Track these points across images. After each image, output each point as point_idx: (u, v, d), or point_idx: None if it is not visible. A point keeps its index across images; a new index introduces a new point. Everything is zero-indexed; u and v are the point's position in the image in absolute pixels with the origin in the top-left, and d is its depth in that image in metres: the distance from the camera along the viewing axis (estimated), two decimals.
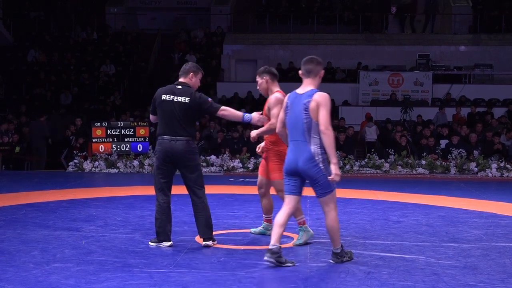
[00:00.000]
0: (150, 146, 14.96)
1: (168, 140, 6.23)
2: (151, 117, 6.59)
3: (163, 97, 6.31)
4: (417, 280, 5.11)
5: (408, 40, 24.09)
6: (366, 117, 18.90)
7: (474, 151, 14.72)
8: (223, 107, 6.51)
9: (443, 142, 16.09)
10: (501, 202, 9.83)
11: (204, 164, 14.31)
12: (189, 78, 6.43)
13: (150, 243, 6.27)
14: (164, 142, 6.26)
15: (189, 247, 6.20)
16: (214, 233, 6.96)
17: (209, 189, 10.98)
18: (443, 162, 14.53)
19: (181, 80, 6.45)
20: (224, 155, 14.70)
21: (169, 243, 6.20)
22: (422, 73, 21.89)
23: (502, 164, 14.13)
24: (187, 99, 6.24)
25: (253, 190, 10.91)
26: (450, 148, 15.10)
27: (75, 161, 14.57)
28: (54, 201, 9.34)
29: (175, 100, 6.24)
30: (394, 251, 6.18)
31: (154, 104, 6.43)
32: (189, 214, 8.16)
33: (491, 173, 13.97)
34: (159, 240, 6.23)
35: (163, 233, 6.22)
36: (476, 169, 14.18)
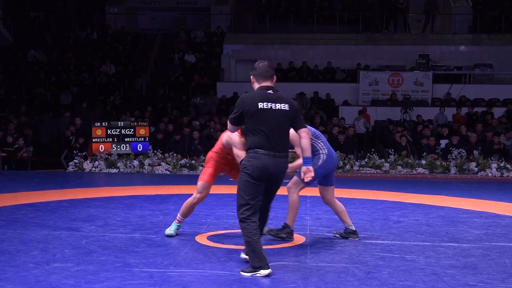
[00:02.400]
0: (150, 146, 14.97)
1: (269, 155, 5.27)
2: (232, 127, 5.58)
3: (260, 105, 5.35)
4: (417, 280, 5.12)
5: (408, 40, 24.09)
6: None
7: (474, 151, 14.72)
8: (305, 130, 5.57)
9: (443, 142, 16.08)
10: (501, 202, 9.83)
11: (204, 164, 14.32)
12: (273, 81, 5.61)
13: (243, 273, 5.24)
14: (264, 157, 5.27)
15: (189, 247, 6.20)
16: (215, 233, 6.98)
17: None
18: (443, 162, 14.53)
19: (267, 84, 5.56)
20: None
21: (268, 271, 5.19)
22: (422, 73, 21.89)
23: (502, 164, 14.13)
24: (287, 106, 5.42)
25: None
26: (450, 148, 15.10)
27: (75, 161, 14.57)
28: (54, 201, 9.33)
29: (273, 108, 5.37)
30: (394, 251, 6.18)
31: (242, 113, 5.39)
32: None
33: (491, 173, 13.97)
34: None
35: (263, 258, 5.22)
36: (476, 169, 14.18)
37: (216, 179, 6.88)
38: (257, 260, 5.15)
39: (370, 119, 19.89)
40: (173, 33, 25.54)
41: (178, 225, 6.86)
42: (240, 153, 6.11)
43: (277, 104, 5.37)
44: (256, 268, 5.15)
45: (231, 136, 6.30)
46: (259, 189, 5.29)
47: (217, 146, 6.75)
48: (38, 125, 17.78)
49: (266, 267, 5.15)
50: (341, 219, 6.80)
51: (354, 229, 6.76)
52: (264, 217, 5.65)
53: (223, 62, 23.80)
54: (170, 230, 6.81)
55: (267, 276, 5.11)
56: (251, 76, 5.70)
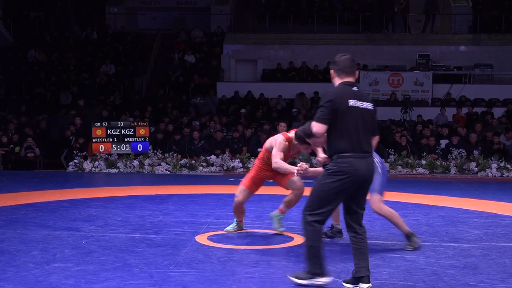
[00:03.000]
0: (150, 146, 14.97)
1: (359, 157, 4.79)
2: (321, 126, 4.77)
3: (351, 102, 4.82)
4: (417, 280, 5.12)
5: (408, 40, 24.09)
6: None
7: (474, 151, 14.73)
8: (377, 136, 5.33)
9: (443, 142, 16.09)
10: (501, 202, 9.84)
11: (204, 164, 14.32)
12: (355, 76, 5.07)
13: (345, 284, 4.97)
14: (354, 160, 4.78)
15: (189, 247, 6.20)
16: (215, 233, 6.98)
17: (209, 189, 11.04)
18: (443, 162, 14.53)
19: (350, 79, 4.99)
20: (224, 155, 14.70)
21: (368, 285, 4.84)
22: (422, 73, 21.89)
23: (502, 164, 14.14)
24: (370, 106, 4.97)
25: None
26: (450, 148, 15.11)
27: (75, 161, 14.57)
28: (54, 201, 9.34)
29: (360, 106, 4.87)
30: (395, 251, 6.18)
31: (331, 110, 4.77)
32: (189, 214, 8.19)
33: (491, 173, 13.98)
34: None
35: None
36: (476, 169, 14.19)
37: (260, 184, 6.95)
38: (317, 267, 4.85)
39: None
40: (173, 33, 25.54)
41: (239, 224, 7.07)
42: (276, 159, 6.37)
43: (363, 103, 4.90)
44: (314, 275, 4.86)
45: (276, 139, 6.53)
46: (342, 196, 4.86)
47: (261, 153, 6.88)
48: (49, 123, 17.75)
49: (325, 274, 4.88)
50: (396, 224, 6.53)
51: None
52: (359, 226, 5.03)
53: (223, 62, 23.80)
54: (231, 227, 7.07)
55: (325, 283, 4.86)
56: (331, 71, 5.09)
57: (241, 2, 26.76)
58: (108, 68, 22.36)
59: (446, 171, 14.28)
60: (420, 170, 14.27)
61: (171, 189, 11.06)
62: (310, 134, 5.69)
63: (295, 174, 6.19)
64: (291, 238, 6.71)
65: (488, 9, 25.00)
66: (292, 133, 6.60)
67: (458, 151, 14.70)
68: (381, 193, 6.40)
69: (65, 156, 15.57)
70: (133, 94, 21.62)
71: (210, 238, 6.64)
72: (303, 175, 6.21)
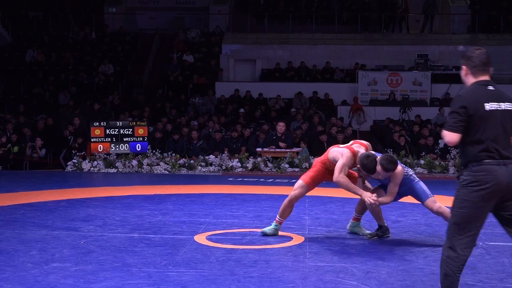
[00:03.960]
0: (149, 145, 14.96)
1: (499, 165, 4.18)
2: (455, 136, 4.24)
3: (488, 106, 4.27)
4: (416, 280, 5.12)
5: (407, 40, 24.11)
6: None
7: None
8: None
9: (442, 142, 16.09)
10: None
11: (202, 163, 14.32)
12: (490, 73, 4.54)
13: None
14: (495, 168, 4.17)
15: (188, 247, 6.20)
16: (213, 232, 6.98)
17: (208, 189, 11.04)
18: (442, 162, 14.53)
19: (485, 77, 4.47)
20: (223, 154, 14.70)
21: None
22: (420, 73, 21.91)
23: None
24: (510, 105, 4.39)
25: (251, 190, 10.94)
26: (449, 148, 15.11)
27: (73, 161, 14.56)
28: (52, 200, 9.34)
29: (499, 109, 4.30)
30: (393, 250, 6.19)
31: (465, 117, 4.22)
32: (188, 214, 8.20)
33: None
34: None
35: None
36: None
37: (317, 185, 6.93)
38: None
39: (364, 111, 19.99)
40: (171, 33, 25.54)
41: (276, 226, 6.86)
42: (341, 174, 6.44)
43: (502, 104, 4.33)
44: None
45: (343, 153, 6.56)
46: (484, 212, 4.29)
47: (324, 157, 6.86)
48: (61, 120, 17.71)
49: None
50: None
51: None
52: None
53: (221, 62, 23.80)
54: (267, 229, 6.88)
55: None
56: (463, 67, 4.48)
57: (240, 2, 26.76)
58: (106, 68, 22.35)
59: (445, 171, 14.29)
60: (419, 169, 14.27)
61: (169, 189, 11.06)
62: (372, 170, 6.25)
63: (367, 203, 6.44)
64: (290, 238, 6.71)
65: (486, 9, 25.02)
66: (356, 147, 6.72)
67: (457, 150, 14.71)
68: (431, 195, 6.74)
69: (63, 156, 15.56)
70: (132, 94, 21.61)
71: (208, 238, 6.64)
72: (373, 206, 6.50)
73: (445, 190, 11.29)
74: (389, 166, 6.36)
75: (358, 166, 6.54)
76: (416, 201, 9.65)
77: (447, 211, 6.48)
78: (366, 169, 6.40)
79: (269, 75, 23.15)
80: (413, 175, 6.84)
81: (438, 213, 6.69)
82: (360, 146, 6.71)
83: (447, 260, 4.24)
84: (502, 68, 23.12)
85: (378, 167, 6.36)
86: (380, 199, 6.57)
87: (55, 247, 6.11)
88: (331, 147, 6.94)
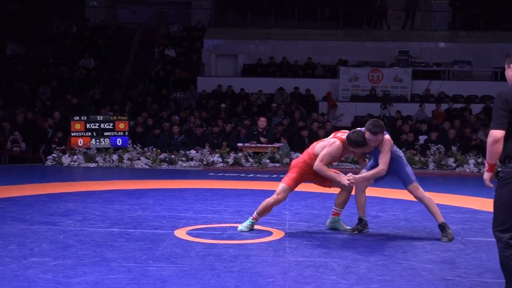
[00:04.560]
0: (130, 140, 14.89)
1: None
2: (500, 133, 4.22)
3: None
4: (395, 275, 5.15)
5: (388, 37, 24.20)
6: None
7: (452, 147, 14.84)
8: None
9: (422, 138, 16.20)
10: (478, 198, 9.92)
11: (183, 158, 14.28)
12: None
13: None
14: None
15: (168, 242, 6.18)
16: (194, 227, 6.97)
17: (189, 184, 11.02)
18: (422, 158, 14.62)
19: None
20: (204, 149, 14.68)
21: None
22: (401, 69, 22.02)
23: (479, 160, 14.26)
24: None
25: (232, 185, 10.94)
26: (429, 144, 15.21)
27: (53, 155, 14.46)
28: (32, 195, 9.27)
29: None
30: (373, 245, 6.22)
31: (507, 112, 4.23)
32: (168, 208, 8.18)
33: (468, 168, 14.10)
34: None
35: None
36: (454, 164, 14.30)
37: (298, 185, 6.91)
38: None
39: (338, 106, 20.22)
40: (153, 27, 25.42)
41: (252, 222, 6.86)
42: (321, 162, 6.54)
43: None
44: None
45: (331, 142, 6.61)
46: None
47: (306, 156, 6.82)
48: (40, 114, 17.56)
49: None
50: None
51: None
52: None
53: (203, 56, 23.76)
54: (243, 226, 6.86)
55: None
56: (506, 64, 4.56)
57: None
58: (87, 62, 22.21)
59: (425, 167, 14.37)
60: None
61: (150, 183, 11.02)
62: (362, 142, 6.34)
63: (346, 184, 6.55)
64: (270, 233, 6.71)
65: (467, 6, 25.20)
66: (341, 135, 6.72)
67: (437, 146, 14.82)
68: (415, 181, 6.81)
69: (43, 150, 15.44)
70: (113, 88, 21.50)
71: (189, 233, 6.62)
72: (354, 184, 6.65)
73: (424, 186, 11.33)
74: (376, 129, 6.39)
75: (351, 149, 6.62)
76: (395, 197, 9.74)
77: (428, 197, 6.76)
78: (356, 143, 6.45)
79: (251, 70, 23.14)
80: (403, 157, 6.91)
81: (419, 199, 6.78)
82: (344, 133, 6.73)
83: (503, 253, 4.25)
84: (481, 65, 23.33)
85: (367, 134, 6.41)
86: (372, 171, 6.65)
87: (34, 242, 6.06)
88: (314, 143, 6.93)
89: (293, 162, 6.98)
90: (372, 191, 10.24)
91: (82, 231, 6.64)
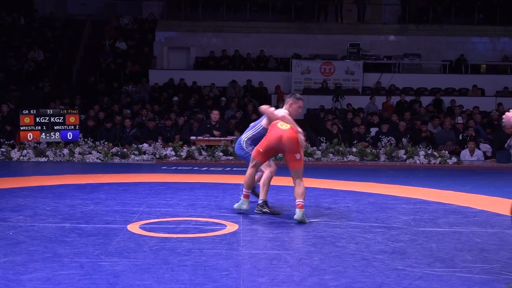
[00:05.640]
0: (81, 134, 14.68)
1: None
2: None
3: None
4: (348, 266, 5.21)
5: (340, 30, 24.41)
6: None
7: (403, 139, 15.07)
8: None
9: (373, 130, 16.41)
10: (428, 189, 10.11)
11: (136, 152, 14.16)
12: None
13: None
14: None
15: (121, 236, 6.13)
16: (147, 221, 6.92)
17: (141, 178, 10.94)
18: (373, 150, 14.81)
19: None
20: (157, 143, 14.57)
21: None
22: (353, 62, 22.25)
23: (429, 152, 14.52)
24: None
25: (185, 178, 10.90)
26: (380, 136, 15.42)
27: (1, 149, 14.17)
28: None
29: None
30: (325, 237, 6.27)
31: None
32: (121, 203, 8.10)
33: (419, 160, 14.33)
34: None
35: None
36: (405, 156, 14.52)
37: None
38: None
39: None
40: (103, 19, 25.08)
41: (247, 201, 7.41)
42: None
43: None
44: None
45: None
46: None
47: (263, 144, 7.23)
48: None
49: None
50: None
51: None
52: None
53: (155, 49, 23.58)
54: (244, 205, 7.39)
55: None
56: None
57: None
58: (36, 54, 21.80)
59: (376, 159, 14.56)
60: (351, 157, 14.51)
61: (102, 178, 10.90)
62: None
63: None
64: (224, 226, 6.72)
65: (416, 0, 25.58)
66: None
67: (388, 139, 15.02)
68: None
69: None
70: (63, 81, 21.16)
71: (142, 227, 6.58)
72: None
73: (376, 178, 11.53)
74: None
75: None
76: (347, 188, 9.86)
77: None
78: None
79: (203, 63, 23.07)
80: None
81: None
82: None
83: None
84: (431, 58, 23.77)
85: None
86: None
87: None
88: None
89: (253, 153, 7.38)
90: (324, 183, 10.37)
91: (33, 226, 6.53)
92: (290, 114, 7.35)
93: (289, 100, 7.42)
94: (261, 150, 7.18)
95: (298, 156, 7.05)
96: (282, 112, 7.32)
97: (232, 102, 18.78)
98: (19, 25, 23.74)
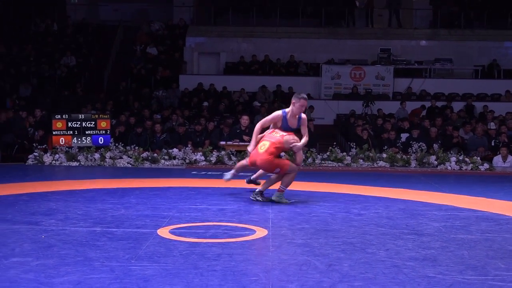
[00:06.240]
0: (112, 139, 14.81)
1: None
2: None
3: None
4: (378, 272, 5.17)
5: (370, 35, 24.31)
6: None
7: (434, 145, 14.93)
8: None
9: (404, 136, 16.28)
10: (459, 195, 9.99)
11: (166, 157, 14.24)
12: None
13: None
14: None
15: (151, 241, 6.16)
16: (177, 226, 6.95)
17: (171, 183, 10.99)
18: (404, 156, 14.68)
19: None
20: (187, 148, 14.64)
21: None
22: (383, 67, 22.13)
23: (460, 158, 14.36)
24: None
25: (215, 183, 10.92)
26: (411, 142, 15.29)
27: (34, 154, 14.34)
28: (12, 194, 9.18)
29: None
30: (355, 243, 6.23)
31: None
32: (151, 207, 8.14)
33: (450, 166, 14.18)
34: None
35: None
36: (436, 162, 14.38)
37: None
38: None
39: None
40: (135, 25, 25.32)
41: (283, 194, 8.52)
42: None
43: None
44: None
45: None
46: None
47: (271, 148, 8.37)
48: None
49: None
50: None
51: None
52: None
53: (185, 54, 23.72)
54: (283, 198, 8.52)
55: None
56: None
57: None
58: (69, 60, 22.08)
59: (407, 165, 14.44)
60: (381, 163, 14.41)
61: (133, 182, 10.97)
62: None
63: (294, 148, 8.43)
64: (253, 231, 6.71)
65: (447, 4, 25.38)
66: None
67: (418, 144, 14.89)
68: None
69: (16, 149, 15.24)
70: (95, 86, 21.39)
71: (172, 232, 6.60)
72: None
73: (406, 184, 11.43)
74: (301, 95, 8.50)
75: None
76: (377, 194, 9.79)
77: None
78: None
79: (233, 68, 23.14)
80: None
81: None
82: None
83: None
84: (462, 63, 23.53)
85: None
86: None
87: (15, 242, 6.01)
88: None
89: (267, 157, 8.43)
90: (355, 190, 10.31)
91: (64, 230, 6.59)
92: (293, 113, 8.53)
93: (292, 100, 8.51)
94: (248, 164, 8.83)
95: (277, 170, 8.40)
96: (258, 125, 8.78)
97: (262, 107, 18.79)
98: (52, 31, 24.07)
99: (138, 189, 10.00)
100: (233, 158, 14.32)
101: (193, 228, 6.85)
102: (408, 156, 14.63)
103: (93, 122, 14.84)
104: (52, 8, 25.85)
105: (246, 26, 24.69)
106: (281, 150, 8.60)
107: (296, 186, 9.78)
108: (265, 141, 8.49)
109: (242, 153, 14.42)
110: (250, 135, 15.00)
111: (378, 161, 14.45)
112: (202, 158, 14.29)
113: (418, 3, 25.64)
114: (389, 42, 23.74)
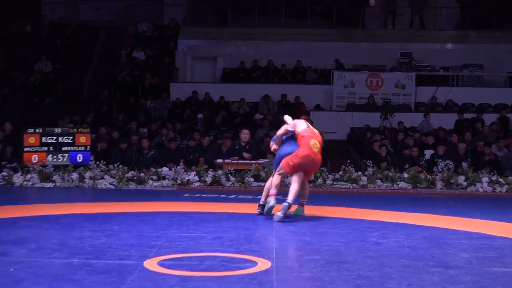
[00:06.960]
0: (92, 156, 14.80)
1: None
2: None
3: None
4: None
5: (389, 37, 24.34)
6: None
7: (463, 163, 14.91)
8: None
9: (428, 153, 16.27)
10: (493, 221, 9.96)
11: (154, 177, 14.23)
12: None
13: None
14: None
15: (136, 274, 6.13)
16: (166, 257, 6.92)
17: (160, 207, 10.97)
18: (428, 176, 14.66)
19: None
20: (178, 166, 14.63)
21: None
22: (404, 74, 22.17)
23: (494, 178, 14.33)
24: None
25: (211, 208, 10.90)
26: (436, 160, 15.27)
27: (3, 173, 14.34)
28: None
29: None
30: (373, 277, 6.20)
31: None
32: (136, 235, 8.12)
33: (481, 187, 14.16)
34: None
35: None
36: (465, 183, 14.35)
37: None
38: None
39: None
40: (119, 26, 25.40)
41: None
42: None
43: None
44: None
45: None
46: None
47: (293, 160, 9.31)
48: None
49: None
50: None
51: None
52: None
53: (177, 59, 23.79)
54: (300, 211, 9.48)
55: None
56: None
57: None
58: (44, 65, 22.16)
59: (431, 186, 14.42)
60: (402, 184, 14.39)
61: (116, 206, 10.96)
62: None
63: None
64: (255, 263, 6.68)
65: (477, 3, 25.44)
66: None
67: (445, 163, 14.87)
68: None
69: None
70: (73, 95, 21.44)
71: (160, 264, 6.58)
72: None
73: (431, 208, 11.40)
74: None
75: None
76: (397, 220, 9.76)
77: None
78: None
79: (232, 75, 23.20)
80: None
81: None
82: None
83: None
84: (494, 69, 23.51)
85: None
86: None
87: None
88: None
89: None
90: (372, 215, 10.28)
91: (37, 262, 6.57)
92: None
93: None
94: (291, 163, 9.23)
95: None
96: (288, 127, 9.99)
97: (264, 119, 18.80)
98: (25, 33, 24.16)
99: (122, 214, 9.99)
100: (232, 178, 14.31)
101: (185, 260, 6.82)
102: (433, 176, 14.61)
103: (71, 137, 14.84)
104: (25, 6, 25.97)
105: (246, 27, 24.75)
106: None
107: (304, 210, 9.76)
108: (314, 140, 9.51)
109: (241, 173, 14.41)
110: (251, 152, 15.11)
111: (398, 182, 14.43)
112: (196, 178, 14.28)
113: (443, 2, 25.72)
114: (411, 45, 23.77)
